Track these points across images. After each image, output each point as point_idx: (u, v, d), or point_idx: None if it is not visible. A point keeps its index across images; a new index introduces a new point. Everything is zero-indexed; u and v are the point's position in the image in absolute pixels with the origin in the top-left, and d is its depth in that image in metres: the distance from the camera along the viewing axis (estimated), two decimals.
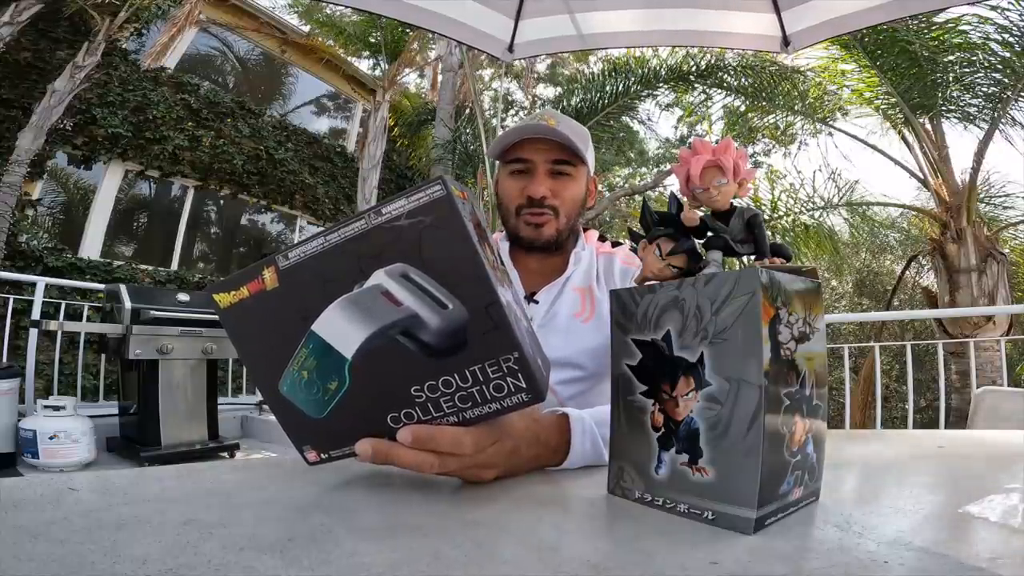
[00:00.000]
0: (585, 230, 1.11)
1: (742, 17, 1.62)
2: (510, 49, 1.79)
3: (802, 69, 5.76)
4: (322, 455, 0.51)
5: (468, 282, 0.42)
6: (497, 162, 1.05)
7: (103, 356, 4.08)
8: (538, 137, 0.96)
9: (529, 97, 10.95)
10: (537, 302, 0.99)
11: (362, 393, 0.46)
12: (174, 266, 6.79)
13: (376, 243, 0.42)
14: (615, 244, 1.10)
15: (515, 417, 0.53)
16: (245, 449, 3.67)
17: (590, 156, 1.01)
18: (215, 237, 7.84)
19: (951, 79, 4.90)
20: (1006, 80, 4.70)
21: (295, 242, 0.46)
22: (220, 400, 3.67)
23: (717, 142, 0.48)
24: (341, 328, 0.44)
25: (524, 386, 0.44)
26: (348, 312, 0.44)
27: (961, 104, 5.08)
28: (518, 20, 1.73)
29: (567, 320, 0.97)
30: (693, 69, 5.81)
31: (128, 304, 3.14)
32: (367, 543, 0.35)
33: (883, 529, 0.38)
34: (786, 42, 1.60)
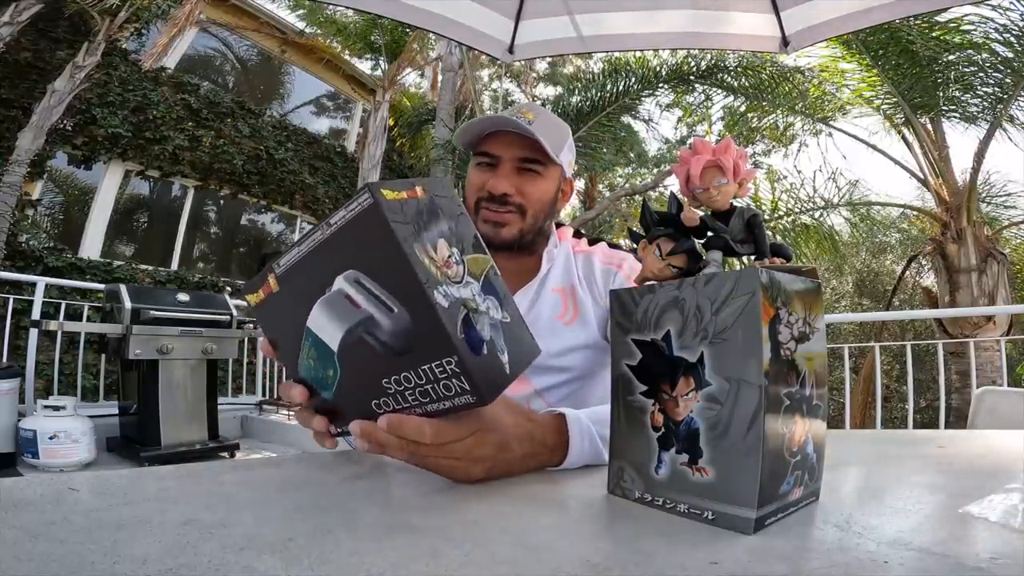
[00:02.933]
0: (559, 226, 1.05)
1: (741, 18, 1.62)
2: (510, 50, 1.78)
3: (802, 69, 5.77)
4: (339, 429, 0.55)
5: (401, 287, 0.44)
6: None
7: (103, 356, 4.08)
8: (508, 131, 0.90)
9: (529, 97, 10.95)
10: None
11: (350, 381, 0.50)
12: (174, 266, 6.80)
13: (330, 252, 0.46)
14: (592, 242, 1.05)
15: (502, 412, 0.53)
16: (245, 449, 3.67)
17: (567, 155, 0.96)
18: (215, 237, 7.84)
19: (952, 79, 4.90)
20: (1007, 80, 4.71)
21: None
22: (220, 400, 3.68)
23: (717, 142, 0.48)
24: (325, 325, 0.48)
25: (467, 388, 0.45)
26: (326, 312, 0.48)
27: (962, 104, 5.08)
28: (518, 21, 1.72)
29: (549, 323, 0.93)
30: (693, 69, 5.82)
31: (128, 304, 3.14)
32: (367, 543, 0.35)
33: (883, 529, 0.38)
34: (785, 42, 1.60)
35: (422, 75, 10.64)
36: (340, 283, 0.46)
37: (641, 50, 4.89)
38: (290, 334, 0.52)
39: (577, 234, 1.07)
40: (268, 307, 0.52)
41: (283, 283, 0.50)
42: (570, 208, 11.68)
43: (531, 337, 0.55)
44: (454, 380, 0.44)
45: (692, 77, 5.92)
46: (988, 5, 4.28)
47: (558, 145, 0.93)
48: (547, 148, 0.89)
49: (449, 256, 0.47)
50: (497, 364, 0.47)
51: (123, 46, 6.12)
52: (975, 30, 4.61)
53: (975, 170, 5.04)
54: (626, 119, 7.44)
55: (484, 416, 0.51)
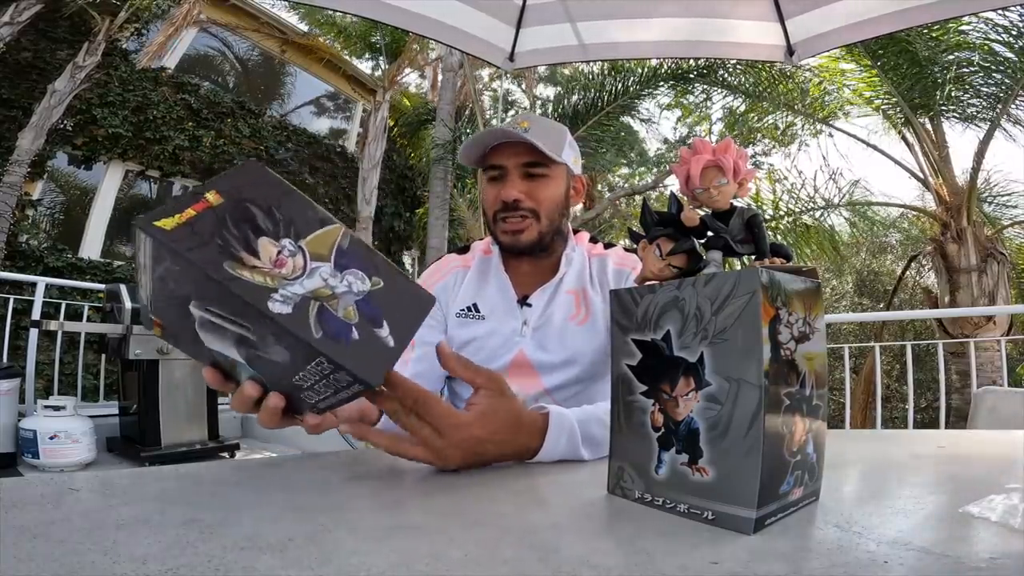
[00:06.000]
0: (576, 232, 1.11)
1: (746, 26, 1.60)
2: (511, 58, 1.77)
3: (803, 68, 5.76)
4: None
5: (238, 312, 0.41)
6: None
7: (103, 356, 4.07)
8: (507, 141, 0.96)
9: (529, 97, 10.95)
10: (530, 305, 0.99)
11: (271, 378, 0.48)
12: None
13: (169, 281, 0.42)
14: (608, 245, 1.09)
15: (497, 406, 0.57)
16: (245, 449, 3.67)
17: (569, 153, 1.01)
18: None
19: (951, 79, 4.90)
20: (1006, 80, 4.70)
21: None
22: (220, 400, 3.67)
23: (717, 142, 0.48)
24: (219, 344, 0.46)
25: (352, 379, 0.43)
26: (210, 334, 0.45)
27: (962, 104, 5.08)
28: (519, 29, 1.70)
29: (561, 323, 0.97)
30: (693, 68, 5.82)
31: (128, 304, 3.14)
32: (367, 543, 0.35)
33: (883, 529, 0.38)
34: (791, 51, 1.59)
35: (422, 75, 10.64)
36: (195, 311, 0.42)
37: (643, 58, 4.89)
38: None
39: (593, 239, 1.11)
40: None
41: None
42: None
43: (417, 288, 0.50)
44: (338, 374, 0.43)
45: (692, 76, 5.92)
46: None
47: (557, 145, 0.97)
48: (544, 150, 0.93)
49: (279, 252, 0.44)
50: (376, 343, 0.45)
51: (123, 46, 6.11)
52: (973, 30, 4.62)
53: (975, 170, 5.04)
54: (625, 119, 7.44)
55: (482, 408, 0.55)
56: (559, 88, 10.11)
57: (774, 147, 8.06)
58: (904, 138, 5.59)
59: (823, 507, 0.44)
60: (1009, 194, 5.77)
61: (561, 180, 1.00)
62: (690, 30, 1.67)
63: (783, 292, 0.41)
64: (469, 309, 1.01)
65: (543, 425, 0.60)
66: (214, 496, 0.46)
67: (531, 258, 1.01)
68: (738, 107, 6.27)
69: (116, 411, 3.54)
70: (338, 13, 7.46)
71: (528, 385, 0.94)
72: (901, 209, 6.89)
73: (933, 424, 5.00)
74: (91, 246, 6.02)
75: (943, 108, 5.13)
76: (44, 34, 5.46)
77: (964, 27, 4.61)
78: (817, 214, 5.53)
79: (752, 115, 6.30)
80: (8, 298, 3.78)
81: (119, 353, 3.15)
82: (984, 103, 4.96)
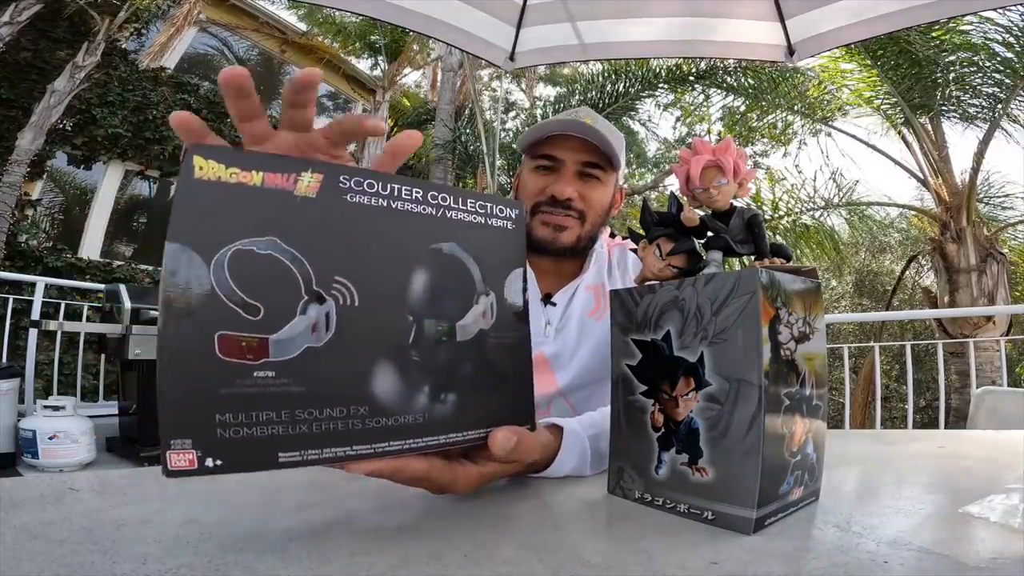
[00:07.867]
0: None
1: (746, 26, 1.59)
2: (511, 58, 1.76)
3: (802, 68, 5.76)
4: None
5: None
6: (524, 156, 0.99)
7: (103, 356, 4.07)
8: (571, 135, 0.90)
9: (529, 98, 10.94)
10: (555, 304, 0.95)
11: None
12: None
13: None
14: (624, 238, 1.06)
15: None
16: None
17: (622, 163, 0.96)
18: None
19: (951, 79, 4.90)
20: (1007, 80, 4.70)
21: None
22: None
23: (717, 142, 0.48)
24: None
25: None
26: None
27: (961, 104, 5.08)
28: (519, 28, 1.70)
29: (580, 320, 0.94)
30: (692, 70, 5.82)
31: (128, 304, 3.14)
32: (367, 543, 0.35)
33: (883, 529, 0.38)
34: (791, 51, 1.58)
35: (422, 75, 10.64)
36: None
37: (643, 57, 4.89)
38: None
39: (611, 234, 1.08)
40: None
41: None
42: None
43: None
44: None
45: (691, 77, 5.92)
46: None
47: (618, 150, 0.93)
48: (613, 150, 0.89)
49: None
50: None
51: (123, 46, 6.12)
52: (974, 30, 4.62)
53: (975, 170, 5.04)
54: (625, 120, 7.44)
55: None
56: (559, 89, 10.12)
57: (773, 147, 8.06)
58: (904, 138, 5.59)
59: (823, 507, 0.44)
60: (1007, 195, 5.78)
61: (611, 187, 0.96)
62: (690, 30, 1.67)
63: (783, 292, 0.41)
64: None
65: (554, 445, 0.54)
66: (214, 496, 0.46)
67: (555, 257, 0.96)
68: (738, 107, 6.26)
69: (116, 411, 3.53)
70: (338, 13, 7.45)
71: (542, 384, 0.88)
72: (900, 209, 6.90)
73: (933, 424, 5.00)
74: (90, 246, 6.02)
75: (943, 108, 5.13)
76: (44, 34, 5.46)
77: (964, 27, 4.60)
78: (817, 214, 5.53)
79: (751, 115, 6.29)
80: (7, 298, 3.78)
81: (118, 353, 3.14)
82: (984, 103, 4.96)
